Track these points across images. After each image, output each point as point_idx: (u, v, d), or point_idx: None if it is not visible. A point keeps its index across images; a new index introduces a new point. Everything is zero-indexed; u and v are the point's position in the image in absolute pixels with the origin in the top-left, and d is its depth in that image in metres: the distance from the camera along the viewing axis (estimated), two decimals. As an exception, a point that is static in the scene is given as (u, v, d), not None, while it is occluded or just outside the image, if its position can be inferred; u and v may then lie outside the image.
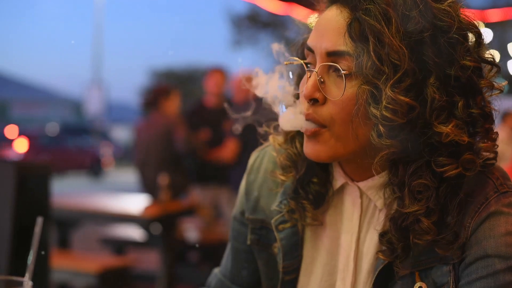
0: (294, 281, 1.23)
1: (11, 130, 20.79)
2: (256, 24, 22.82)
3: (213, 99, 5.86)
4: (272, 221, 1.22)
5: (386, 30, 1.02)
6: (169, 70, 33.44)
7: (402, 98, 1.01)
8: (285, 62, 1.18)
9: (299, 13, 6.25)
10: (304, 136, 1.13)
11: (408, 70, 1.01)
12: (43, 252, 1.57)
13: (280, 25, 22.15)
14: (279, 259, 1.22)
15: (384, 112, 1.01)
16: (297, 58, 1.16)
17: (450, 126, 1.02)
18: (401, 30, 1.02)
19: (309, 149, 1.11)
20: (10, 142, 19.83)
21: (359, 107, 1.04)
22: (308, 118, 1.10)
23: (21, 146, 19.59)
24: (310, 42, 1.12)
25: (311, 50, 1.11)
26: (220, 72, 5.96)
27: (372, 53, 1.02)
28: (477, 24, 1.09)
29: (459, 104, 1.04)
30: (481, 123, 1.07)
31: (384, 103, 1.01)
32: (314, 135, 1.10)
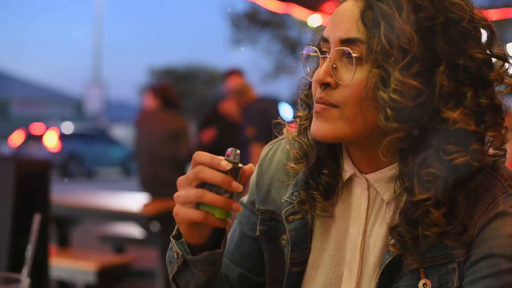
0: (301, 273, 1.23)
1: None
2: (255, 23, 22.78)
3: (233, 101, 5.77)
4: (283, 212, 1.23)
5: (397, 15, 1.05)
6: (169, 68, 33.43)
7: (410, 81, 1.04)
8: (301, 52, 1.21)
9: (298, 12, 6.25)
10: (313, 115, 1.14)
11: (417, 55, 1.04)
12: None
13: (280, 24, 22.13)
14: (286, 250, 1.23)
15: (392, 95, 1.04)
16: (312, 47, 1.18)
17: (457, 112, 1.04)
18: (412, 17, 1.05)
19: (316, 127, 1.13)
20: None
21: (368, 90, 1.07)
22: (320, 101, 1.12)
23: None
24: (325, 33, 1.15)
25: (326, 41, 1.14)
26: (238, 73, 5.81)
27: (382, 36, 1.05)
28: (490, 21, 1.12)
29: (468, 93, 1.06)
30: (490, 113, 1.09)
31: (392, 85, 1.04)
32: (323, 113, 1.12)
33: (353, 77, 1.08)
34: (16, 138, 20.73)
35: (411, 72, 1.04)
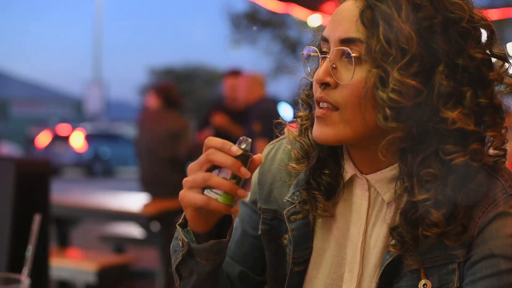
0: (303, 272, 1.24)
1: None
2: (255, 23, 22.77)
3: (232, 101, 5.84)
4: (284, 211, 1.23)
5: (396, 15, 1.06)
6: (168, 68, 33.44)
7: (409, 81, 1.04)
8: (301, 53, 1.21)
9: (298, 12, 6.25)
10: (314, 119, 1.15)
11: (416, 55, 1.05)
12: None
13: (280, 24, 22.11)
14: (288, 250, 1.23)
15: (390, 94, 1.04)
16: (312, 47, 1.18)
17: (456, 112, 1.05)
18: (411, 17, 1.06)
19: (318, 131, 1.14)
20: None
21: (367, 90, 1.07)
22: (320, 100, 1.13)
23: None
24: (325, 33, 1.15)
25: (326, 41, 1.15)
26: (237, 74, 5.88)
27: (381, 36, 1.05)
28: (489, 21, 1.12)
29: (467, 93, 1.07)
30: (489, 113, 1.09)
31: (391, 85, 1.04)
32: (324, 117, 1.12)
33: (352, 77, 1.09)
34: (43, 139, 21.13)
35: (410, 72, 1.04)
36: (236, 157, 1.06)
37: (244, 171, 1.05)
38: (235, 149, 1.06)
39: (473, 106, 1.07)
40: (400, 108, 1.05)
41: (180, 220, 1.15)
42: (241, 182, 1.07)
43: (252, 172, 1.08)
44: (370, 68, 1.07)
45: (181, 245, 1.14)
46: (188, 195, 1.08)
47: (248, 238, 1.32)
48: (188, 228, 1.13)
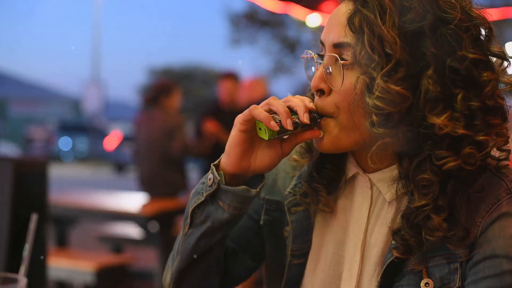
0: (302, 265, 1.24)
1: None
2: (254, 22, 22.77)
3: (227, 103, 5.90)
4: (285, 202, 1.24)
5: (379, 20, 1.04)
6: (167, 68, 33.46)
7: (393, 87, 1.03)
8: (302, 56, 1.22)
9: (297, 12, 6.25)
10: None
11: (401, 61, 1.03)
12: (42, 257, 1.57)
13: (279, 24, 22.12)
14: (288, 242, 1.24)
15: (375, 101, 1.04)
16: (310, 52, 1.19)
17: (442, 118, 1.03)
18: (396, 21, 1.04)
19: (316, 142, 1.15)
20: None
21: (356, 96, 1.07)
22: (320, 113, 1.14)
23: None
24: (321, 36, 1.16)
25: (323, 44, 1.15)
26: (232, 77, 5.97)
27: (366, 43, 1.05)
28: (487, 19, 1.10)
29: (458, 96, 1.04)
30: (481, 116, 1.06)
31: (376, 92, 1.04)
32: (320, 125, 1.13)
33: (342, 82, 1.09)
34: (112, 140, 22.38)
35: (395, 78, 1.03)
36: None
37: (306, 116, 1.10)
38: (312, 104, 1.13)
39: (464, 109, 1.04)
40: (386, 115, 1.04)
41: (216, 162, 1.18)
42: (298, 127, 1.11)
43: (306, 137, 1.13)
44: (359, 74, 1.07)
45: (209, 185, 1.16)
46: (243, 112, 1.13)
47: (247, 220, 1.32)
48: (221, 171, 1.15)
